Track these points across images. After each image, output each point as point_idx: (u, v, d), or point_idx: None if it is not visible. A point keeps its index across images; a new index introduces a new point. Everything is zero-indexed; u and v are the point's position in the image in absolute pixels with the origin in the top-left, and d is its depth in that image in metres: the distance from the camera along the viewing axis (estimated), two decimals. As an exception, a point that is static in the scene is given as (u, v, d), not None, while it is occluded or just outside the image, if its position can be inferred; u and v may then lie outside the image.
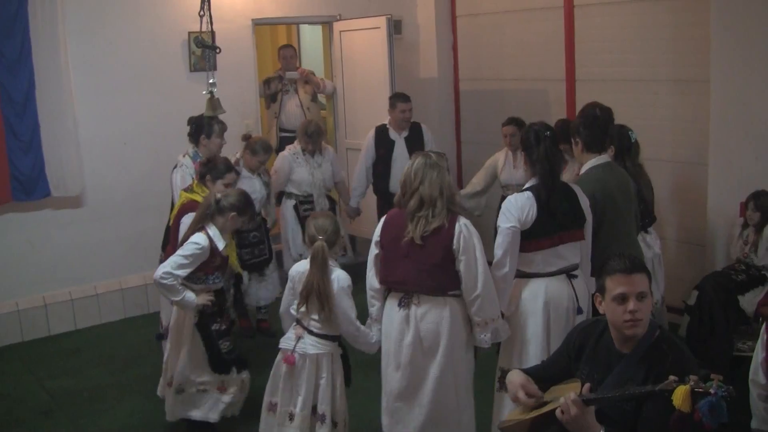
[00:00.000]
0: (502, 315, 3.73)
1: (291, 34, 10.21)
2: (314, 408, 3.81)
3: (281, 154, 6.17)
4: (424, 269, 3.61)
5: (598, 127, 4.12)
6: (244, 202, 4.24)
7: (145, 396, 4.98)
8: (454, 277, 3.62)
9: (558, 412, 2.59)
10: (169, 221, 5.15)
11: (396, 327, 3.70)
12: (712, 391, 2.31)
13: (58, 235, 6.22)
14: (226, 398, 4.31)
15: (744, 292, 4.89)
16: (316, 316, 3.79)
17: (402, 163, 6.15)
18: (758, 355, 3.24)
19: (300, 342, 3.81)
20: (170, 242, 4.63)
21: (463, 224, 3.60)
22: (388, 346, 3.76)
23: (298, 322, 3.87)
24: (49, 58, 5.89)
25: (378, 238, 3.79)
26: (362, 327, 3.85)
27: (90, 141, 6.21)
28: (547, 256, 3.76)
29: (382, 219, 3.83)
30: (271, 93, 7.53)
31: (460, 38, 7.65)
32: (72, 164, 6.08)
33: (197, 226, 4.13)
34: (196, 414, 4.31)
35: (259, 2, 6.93)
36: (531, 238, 3.71)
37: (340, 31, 7.29)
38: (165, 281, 3.98)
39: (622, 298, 2.66)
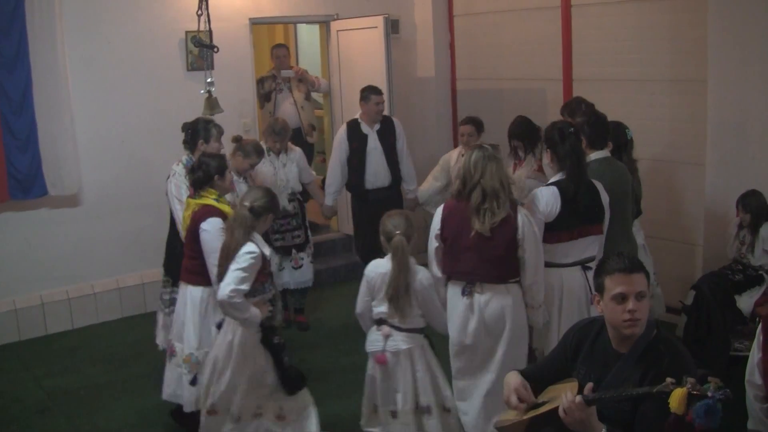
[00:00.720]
0: None
1: (288, 33, 10.18)
2: (417, 402, 3.83)
3: None
4: (489, 260, 3.78)
5: (601, 124, 4.38)
6: (273, 198, 4.01)
7: (142, 395, 4.98)
8: (515, 266, 3.80)
9: (561, 412, 2.58)
10: (170, 235, 4.98)
11: (461, 314, 3.88)
12: (709, 394, 2.30)
13: (55, 234, 6.21)
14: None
15: (741, 292, 4.92)
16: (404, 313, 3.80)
17: (376, 156, 6.16)
18: (754, 356, 3.23)
19: (389, 340, 3.83)
20: (186, 254, 4.34)
21: (524, 214, 3.79)
22: (453, 333, 3.93)
23: (384, 321, 3.86)
24: (46, 57, 5.87)
25: (438, 231, 3.92)
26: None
27: (87, 139, 6.20)
28: (565, 248, 3.98)
29: (439, 211, 3.96)
30: (265, 92, 7.49)
31: (457, 38, 7.65)
32: (69, 163, 6.06)
33: (245, 241, 3.81)
34: None
35: (257, 1, 6.91)
36: (552, 230, 3.93)
37: (338, 31, 7.28)
38: (235, 300, 3.67)
39: (622, 298, 2.67)
